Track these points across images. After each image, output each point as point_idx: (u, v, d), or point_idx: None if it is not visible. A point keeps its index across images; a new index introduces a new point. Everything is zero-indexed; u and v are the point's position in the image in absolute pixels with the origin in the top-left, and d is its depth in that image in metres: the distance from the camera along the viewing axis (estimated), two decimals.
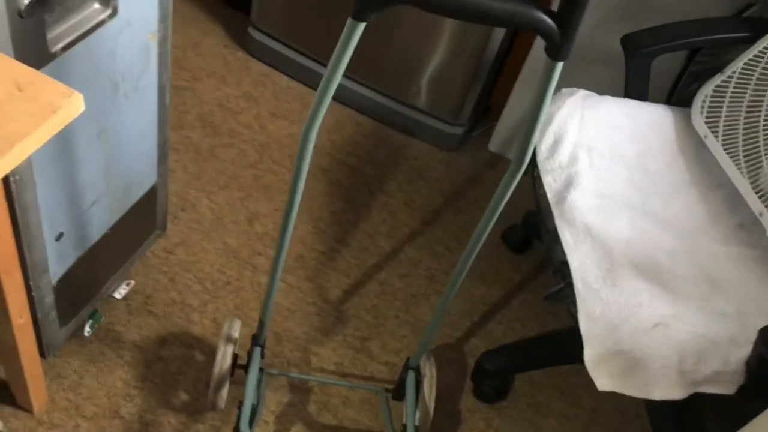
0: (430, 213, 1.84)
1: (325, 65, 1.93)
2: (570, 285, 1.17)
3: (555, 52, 0.71)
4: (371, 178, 1.87)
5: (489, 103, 2.05)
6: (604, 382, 1.10)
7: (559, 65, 0.73)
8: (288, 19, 1.96)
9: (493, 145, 2.03)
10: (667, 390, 1.06)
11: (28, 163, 0.94)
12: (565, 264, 1.20)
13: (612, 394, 1.57)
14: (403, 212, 1.82)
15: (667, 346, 1.08)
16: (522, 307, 1.70)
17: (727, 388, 1.07)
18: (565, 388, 1.58)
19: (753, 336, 1.04)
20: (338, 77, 0.80)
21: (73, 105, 0.67)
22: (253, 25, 2.03)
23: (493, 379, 1.50)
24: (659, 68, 1.41)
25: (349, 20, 0.72)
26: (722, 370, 1.07)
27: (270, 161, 1.84)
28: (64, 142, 1.00)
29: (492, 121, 2.04)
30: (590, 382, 1.59)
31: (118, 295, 1.46)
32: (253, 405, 1.18)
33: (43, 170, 0.99)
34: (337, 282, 1.64)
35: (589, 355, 1.11)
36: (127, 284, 1.48)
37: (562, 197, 1.27)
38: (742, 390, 1.06)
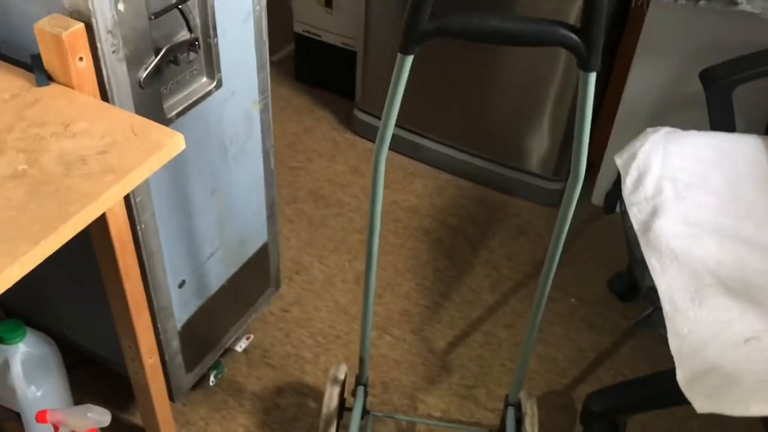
0: (533, 267, 1.88)
1: (420, 134, 2.09)
2: (658, 309, 1.18)
3: (584, 63, 0.79)
4: (473, 236, 1.95)
5: (588, 157, 2.09)
6: (701, 402, 1.09)
7: (591, 75, 0.80)
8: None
9: (596, 198, 2.05)
10: (764, 405, 1.03)
11: (151, 214, 1.11)
12: (653, 289, 1.21)
13: None
14: (506, 267, 1.87)
15: (761, 360, 1.05)
16: (632, 353, 1.68)
17: None
18: None
19: None
20: (396, 108, 0.91)
21: (175, 142, 0.82)
22: (358, 107, 2.22)
23: (601, 422, 1.48)
24: (754, 101, 1.42)
25: (399, 55, 0.84)
26: None
27: None
28: (183, 197, 1.17)
29: (593, 175, 2.08)
30: (711, 426, 1.54)
31: (239, 348, 1.60)
32: None
33: (166, 221, 1.15)
34: (442, 334, 1.70)
35: (681, 374, 1.10)
36: (247, 338, 1.62)
37: (647, 226, 1.29)
38: None
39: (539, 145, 1.97)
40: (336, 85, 2.36)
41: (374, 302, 1.76)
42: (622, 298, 1.80)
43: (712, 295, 1.15)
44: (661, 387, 1.47)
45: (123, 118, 0.84)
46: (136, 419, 1.46)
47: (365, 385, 1.34)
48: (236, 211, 1.33)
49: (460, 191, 2.08)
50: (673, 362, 1.68)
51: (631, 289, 1.80)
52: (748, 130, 1.46)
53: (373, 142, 1.02)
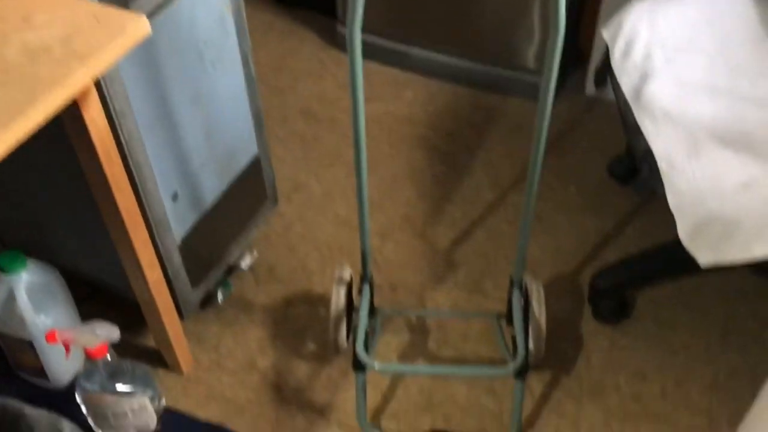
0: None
1: (406, 42, 2.05)
2: (655, 170, 1.17)
3: None
4: (470, 140, 1.93)
5: (577, 48, 2.06)
6: (704, 254, 1.09)
7: None
8: (369, 11, 2.09)
9: (589, 88, 2.02)
10: (766, 245, 1.03)
11: (133, 123, 1.09)
12: (648, 152, 1.20)
13: (747, 300, 1.51)
14: (504, 164, 1.86)
15: (760, 204, 1.05)
16: (635, 235, 1.67)
17: None
18: (691, 303, 1.53)
19: None
20: None
21: (140, 25, 0.80)
22: (341, 22, 2.17)
23: (609, 298, 1.49)
24: None
25: None
26: None
27: (369, 138, 1.92)
28: (163, 105, 1.15)
29: (584, 65, 2.04)
30: (719, 292, 1.55)
31: (244, 266, 1.60)
32: (366, 331, 1.26)
33: (150, 131, 1.14)
34: (445, 234, 1.70)
35: (682, 229, 1.10)
36: (252, 256, 1.62)
37: (639, 91, 1.27)
38: None
39: (530, 39, 1.93)
40: (317, 3, 2.30)
41: (375, 210, 1.76)
42: (622, 182, 1.79)
43: (708, 148, 1.13)
44: (665, 255, 1.47)
45: (84, 7, 0.82)
46: (150, 341, 1.48)
47: (371, 282, 1.35)
48: (222, 120, 1.31)
49: (453, 97, 2.05)
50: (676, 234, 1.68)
51: (631, 172, 1.78)
52: None
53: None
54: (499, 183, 1.81)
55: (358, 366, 1.26)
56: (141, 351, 1.48)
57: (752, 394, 1.38)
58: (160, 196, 1.21)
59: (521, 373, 1.24)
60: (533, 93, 2.03)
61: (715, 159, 1.11)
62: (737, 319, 1.50)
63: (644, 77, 1.28)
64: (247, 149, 1.42)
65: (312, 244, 1.68)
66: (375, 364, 1.24)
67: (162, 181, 1.20)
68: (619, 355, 1.46)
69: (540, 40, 1.92)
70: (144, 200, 1.18)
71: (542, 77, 1.03)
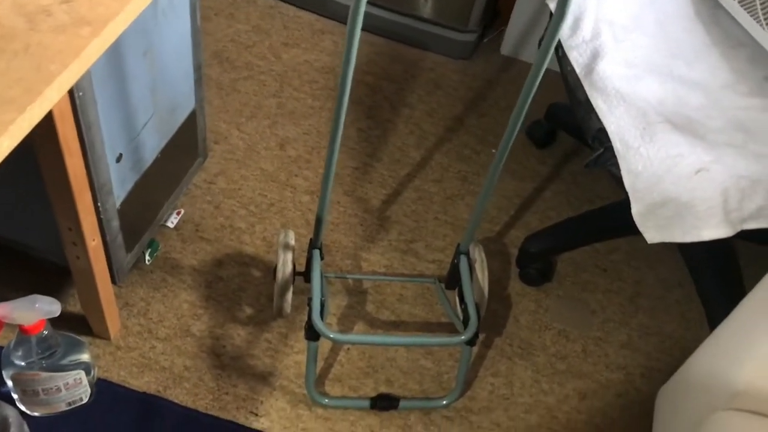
0: (453, 120, 1.88)
1: None
2: (609, 149, 1.22)
3: None
4: (391, 93, 1.91)
5: (497, 8, 2.08)
6: (653, 234, 1.15)
7: None
8: None
9: (505, 49, 2.05)
10: (714, 229, 1.11)
11: (89, 79, 0.98)
12: (601, 130, 1.24)
13: (652, 267, 1.64)
14: (427, 122, 1.86)
15: (711, 189, 1.12)
16: (554, 197, 1.75)
17: None
18: (606, 265, 1.64)
19: None
20: None
21: None
22: None
23: (537, 262, 1.56)
24: None
25: None
26: (765, 204, 1.12)
27: (290, 89, 1.87)
28: (116, 58, 1.04)
29: (502, 25, 2.06)
30: (630, 257, 1.66)
31: (170, 225, 1.51)
32: (321, 300, 1.24)
33: (102, 88, 1.02)
34: (375, 193, 1.69)
35: (636, 209, 1.16)
36: (178, 214, 1.53)
37: (590, 69, 1.30)
38: None
39: None
40: None
41: (303, 166, 1.71)
42: (539, 145, 1.85)
43: (661, 131, 1.19)
44: (594, 226, 1.56)
45: None
46: (71, 307, 1.37)
47: (320, 249, 1.32)
48: (167, 74, 1.21)
49: (373, 48, 2.01)
50: (601, 200, 1.78)
51: (548, 136, 1.85)
52: None
53: None
54: (423, 143, 1.81)
55: (313, 335, 1.24)
56: (63, 317, 1.37)
57: (662, 351, 1.52)
58: (107, 160, 1.10)
59: (472, 341, 1.28)
60: (451, 50, 2.04)
61: (667, 142, 1.17)
62: (645, 284, 1.62)
63: (595, 55, 1.32)
64: (186, 104, 1.32)
65: (238, 201, 1.61)
66: (331, 334, 1.23)
67: (109, 142, 1.09)
68: (545, 316, 1.54)
69: None
70: (91, 163, 1.07)
71: (538, 53, 1.02)
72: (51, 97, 0.60)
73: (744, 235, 1.12)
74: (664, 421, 1.27)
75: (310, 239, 1.32)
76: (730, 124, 1.27)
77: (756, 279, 1.13)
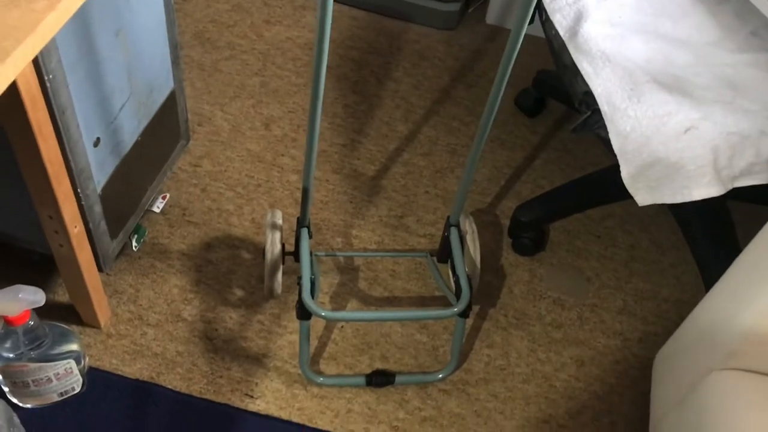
0: (440, 92, 1.85)
1: None
2: (596, 111, 1.20)
3: None
4: (376, 67, 1.88)
5: None
6: (643, 196, 1.14)
7: None
8: None
9: (491, 18, 2.03)
10: (705, 188, 1.10)
11: (58, 61, 0.95)
12: (588, 93, 1.22)
13: (646, 230, 1.63)
14: (414, 95, 1.84)
15: (700, 147, 1.10)
16: (545, 166, 1.73)
17: (763, 178, 1.11)
18: (600, 232, 1.62)
19: None
20: None
21: None
22: None
23: (529, 231, 1.54)
24: None
25: None
26: (756, 161, 1.11)
27: (274, 67, 1.84)
28: (88, 39, 1.01)
29: None
30: (624, 222, 1.65)
31: (156, 209, 1.49)
32: (311, 279, 1.22)
33: (74, 70, 1.00)
34: (363, 169, 1.67)
35: (626, 171, 1.14)
36: (163, 198, 1.51)
37: (574, 31, 1.28)
38: None
39: None
40: None
41: (290, 145, 1.69)
42: (529, 114, 1.83)
43: (648, 91, 1.17)
44: (586, 192, 1.54)
45: None
46: (60, 297, 1.35)
47: (308, 227, 1.30)
48: (142, 55, 1.18)
49: (356, 21, 1.98)
50: (593, 167, 1.76)
51: (537, 104, 1.83)
52: None
53: None
54: (410, 116, 1.79)
55: (304, 314, 1.22)
56: (50, 307, 1.35)
57: (657, 316, 1.51)
58: (84, 143, 1.08)
59: (465, 313, 1.27)
60: (435, 20, 2.00)
61: (655, 102, 1.15)
62: (640, 248, 1.61)
63: (578, 17, 1.29)
64: (164, 85, 1.29)
65: (225, 183, 1.59)
66: (322, 312, 1.21)
67: (85, 126, 1.07)
68: (539, 285, 1.52)
69: None
70: (67, 148, 1.04)
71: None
72: (6, 74, 0.58)
73: (736, 194, 1.11)
74: (662, 385, 1.27)
75: (298, 218, 1.30)
76: (718, 81, 1.25)
77: (750, 238, 1.11)
